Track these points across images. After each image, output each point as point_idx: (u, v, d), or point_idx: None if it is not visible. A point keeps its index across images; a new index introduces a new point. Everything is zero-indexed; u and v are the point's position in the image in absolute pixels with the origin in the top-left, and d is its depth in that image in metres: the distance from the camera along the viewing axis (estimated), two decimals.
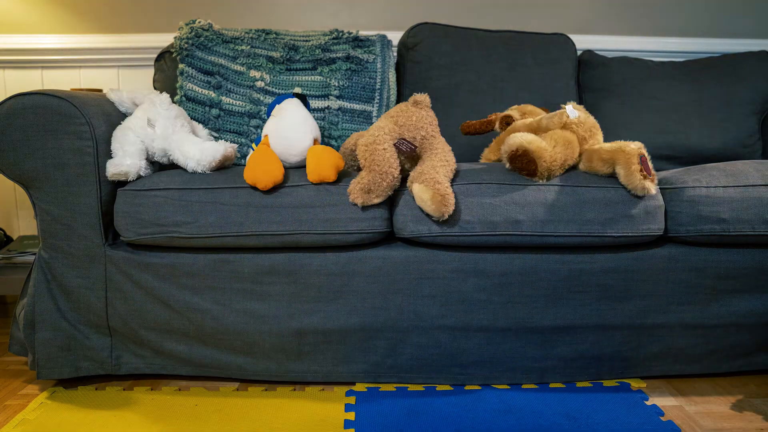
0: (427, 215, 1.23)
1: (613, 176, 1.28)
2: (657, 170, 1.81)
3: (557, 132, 1.30)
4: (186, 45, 1.68)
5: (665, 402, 1.30)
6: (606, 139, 1.83)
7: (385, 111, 1.74)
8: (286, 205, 1.23)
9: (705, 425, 1.21)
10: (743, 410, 1.27)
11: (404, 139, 1.27)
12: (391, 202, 1.31)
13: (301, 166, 1.36)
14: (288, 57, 1.72)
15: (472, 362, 1.34)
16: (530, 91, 1.83)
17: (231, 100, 1.68)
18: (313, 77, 1.71)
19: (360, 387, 1.35)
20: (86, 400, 1.28)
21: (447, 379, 1.35)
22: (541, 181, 1.25)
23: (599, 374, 1.36)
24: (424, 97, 1.33)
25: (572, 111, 1.32)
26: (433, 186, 1.18)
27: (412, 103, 1.33)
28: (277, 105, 1.45)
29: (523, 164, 1.24)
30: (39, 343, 1.29)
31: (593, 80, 1.91)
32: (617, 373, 1.37)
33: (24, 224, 2.11)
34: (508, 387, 1.35)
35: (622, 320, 1.33)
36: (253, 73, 1.69)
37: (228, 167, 1.39)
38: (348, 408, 1.25)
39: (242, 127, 1.66)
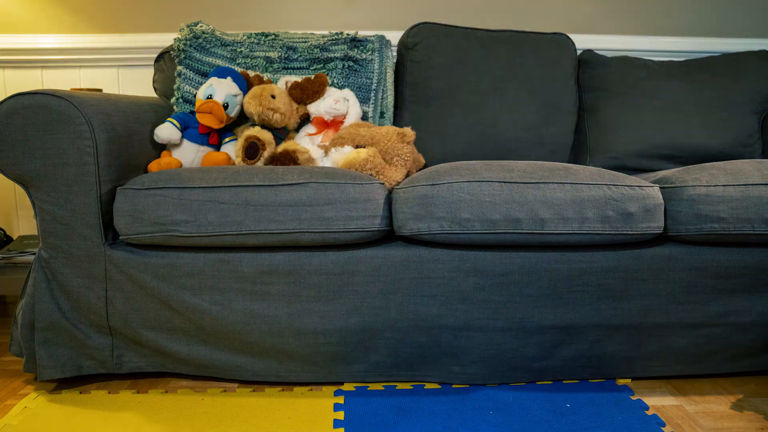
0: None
1: None
2: (657, 169, 1.81)
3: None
4: (184, 47, 1.68)
5: (665, 401, 1.30)
6: (605, 139, 1.83)
7: (380, 111, 1.75)
8: (285, 203, 1.23)
9: (705, 425, 1.20)
10: (743, 410, 1.27)
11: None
12: (390, 201, 1.31)
13: None
14: (286, 56, 1.72)
15: (472, 362, 1.34)
16: (530, 91, 1.83)
17: None
18: (309, 76, 1.71)
19: (348, 386, 1.35)
20: (71, 404, 1.27)
21: (447, 379, 1.35)
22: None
23: (599, 374, 1.36)
24: (409, 133, 1.47)
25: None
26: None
27: (398, 136, 1.46)
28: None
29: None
30: (40, 343, 1.29)
31: (593, 80, 1.91)
32: (617, 372, 1.36)
33: (24, 224, 2.11)
34: (496, 385, 1.35)
35: (622, 320, 1.33)
36: (250, 74, 1.69)
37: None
38: (337, 407, 1.25)
39: (239, 127, 1.66)
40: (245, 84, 1.60)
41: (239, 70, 1.66)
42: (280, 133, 1.59)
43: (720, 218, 1.26)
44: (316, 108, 1.61)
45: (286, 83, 1.65)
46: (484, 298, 1.30)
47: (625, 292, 1.32)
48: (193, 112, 1.60)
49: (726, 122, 1.82)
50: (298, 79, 1.67)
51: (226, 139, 1.57)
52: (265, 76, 1.71)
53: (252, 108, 1.51)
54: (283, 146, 1.47)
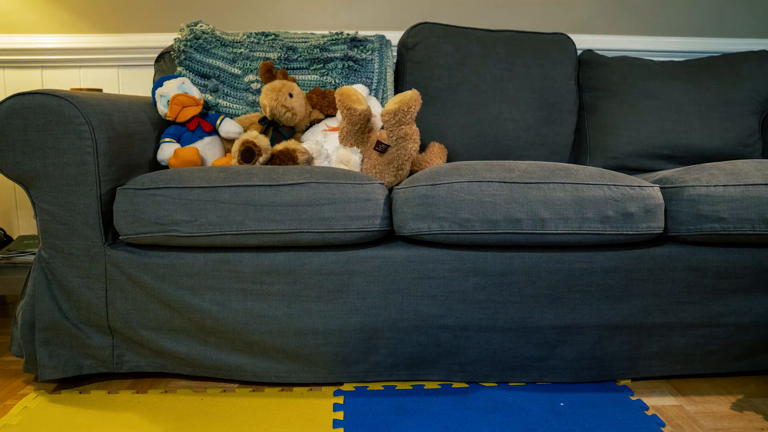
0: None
1: None
2: (657, 169, 1.81)
3: None
4: (184, 47, 1.68)
5: (665, 401, 1.30)
6: (605, 139, 1.83)
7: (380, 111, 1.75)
8: (285, 203, 1.23)
9: (705, 425, 1.20)
10: (743, 410, 1.27)
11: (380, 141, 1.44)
12: (390, 201, 1.31)
13: None
14: (285, 57, 1.72)
15: (472, 361, 1.34)
16: (530, 91, 1.83)
17: (228, 103, 1.69)
18: (309, 76, 1.71)
19: (348, 386, 1.35)
20: (71, 404, 1.27)
21: (447, 379, 1.35)
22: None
23: (599, 374, 1.36)
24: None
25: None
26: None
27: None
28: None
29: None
30: (40, 343, 1.29)
31: (593, 80, 1.91)
32: (618, 373, 1.36)
33: (24, 224, 2.11)
34: (496, 385, 1.35)
35: (622, 320, 1.33)
36: (249, 77, 1.69)
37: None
38: (336, 407, 1.25)
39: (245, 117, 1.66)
40: (171, 75, 1.62)
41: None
42: (286, 132, 1.59)
43: (720, 218, 1.26)
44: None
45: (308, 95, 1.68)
46: (484, 298, 1.30)
47: (625, 292, 1.32)
48: (177, 124, 1.58)
49: (726, 122, 1.82)
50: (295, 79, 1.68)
51: (218, 121, 1.58)
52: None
53: (266, 100, 1.52)
54: (284, 144, 1.47)
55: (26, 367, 1.32)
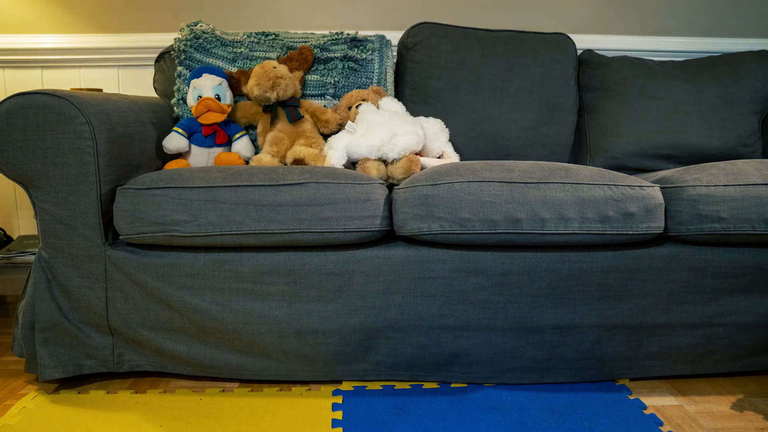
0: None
1: None
2: (657, 169, 1.81)
3: None
4: (184, 47, 1.68)
5: (665, 401, 1.30)
6: (605, 139, 1.83)
7: None
8: (285, 203, 1.23)
9: (705, 425, 1.20)
10: (743, 410, 1.27)
11: None
12: (390, 201, 1.31)
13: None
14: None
15: (472, 362, 1.34)
16: (530, 91, 1.83)
17: None
18: (309, 76, 1.71)
19: (347, 386, 1.35)
20: (69, 404, 1.27)
21: (447, 379, 1.35)
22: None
23: (599, 374, 1.36)
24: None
25: None
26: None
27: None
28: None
29: None
30: (40, 343, 1.29)
31: (593, 80, 1.91)
32: (618, 373, 1.36)
33: (24, 224, 2.11)
34: (495, 384, 1.35)
35: (622, 320, 1.33)
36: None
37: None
38: (335, 407, 1.25)
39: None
40: (221, 71, 1.61)
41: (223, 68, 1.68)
42: (293, 103, 1.58)
43: (720, 218, 1.26)
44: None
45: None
46: (484, 298, 1.30)
47: (625, 292, 1.32)
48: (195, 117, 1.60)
49: (726, 122, 1.82)
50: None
51: (237, 135, 1.58)
52: None
53: (256, 86, 1.53)
54: (299, 153, 1.50)
55: (27, 368, 1.32)
